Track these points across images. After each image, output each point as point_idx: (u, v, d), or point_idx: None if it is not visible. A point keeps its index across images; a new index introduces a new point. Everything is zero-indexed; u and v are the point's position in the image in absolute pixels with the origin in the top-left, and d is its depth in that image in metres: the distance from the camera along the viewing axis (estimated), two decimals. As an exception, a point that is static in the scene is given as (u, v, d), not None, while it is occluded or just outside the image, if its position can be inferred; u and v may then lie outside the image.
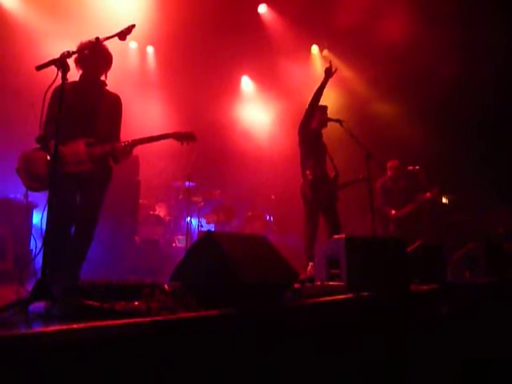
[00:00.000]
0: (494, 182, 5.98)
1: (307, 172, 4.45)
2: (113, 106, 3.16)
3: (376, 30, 6.80)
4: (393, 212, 5.81)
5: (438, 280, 3.20)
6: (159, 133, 3.08)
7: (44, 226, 1.92)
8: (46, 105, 2.27)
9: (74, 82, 3.04)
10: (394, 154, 6.35)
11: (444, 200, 6.43)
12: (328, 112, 4.69)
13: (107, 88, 3.18)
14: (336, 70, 4.42)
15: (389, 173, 5.91)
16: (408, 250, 3.17)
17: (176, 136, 3.07)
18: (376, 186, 5.69)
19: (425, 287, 2.96)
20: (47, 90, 2.02)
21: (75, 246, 2.96)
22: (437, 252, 3.51)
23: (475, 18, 6.01)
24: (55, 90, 2.92)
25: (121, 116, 3.21)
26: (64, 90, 2.05)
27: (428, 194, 5.74)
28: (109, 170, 3.13)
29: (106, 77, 3.17)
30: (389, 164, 5.88)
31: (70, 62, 2.13)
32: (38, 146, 2.94)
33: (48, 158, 2.86)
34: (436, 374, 2.47)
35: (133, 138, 3.02)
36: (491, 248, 4.11)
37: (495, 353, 2.72)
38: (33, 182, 2.89)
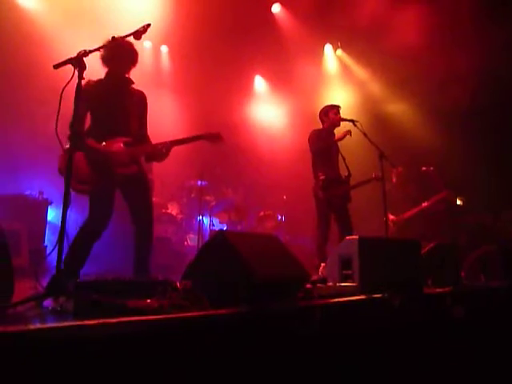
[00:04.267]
0: (510, 183, 5.87)
1: (319, 173, 4.43)
2: (140, 103, 3.19)
3: (391, 29, 6.72)
4: (391, 217, 5.84)
5: (452, 282, 3.16)
6: (180, 133, 3.20)
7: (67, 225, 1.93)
8: (63, 103, 2.29)
9: (100, 80, 3.06)
10: (408, 155, 6.31)
11: (458, 201, 6.35)
12: (341, 112, 4.66)
13: (132, 86, 3.19)
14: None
15: (393, 180, 5.97)
16: (422, 251, 3.14)
17: (208, 137, 3.16)
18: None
19: (438, 289, 2.92)
20: (64, 88, 2.04)
21: (137, 248, 3.04)
22: (451, 254, 3.46)
23: (495, 16, 5.89)
24: (82, 88, 2.97)
25: (147, 113, 3.25)
26: (81, 89, 2.07)
27: (443, 194, 5.77)
28: (144, 168, 3.18)
29: (129, 74, 3.17)
30: (394, 171, 5.87)
31: (87, 60, 2.14)
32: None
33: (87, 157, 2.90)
34: (449, 377, 2.43)
35: (170, 140, 3.08)
36: (506, 251, 4.04)
37: (510, 357, 2.67)
38: (80, 184, 2.89)
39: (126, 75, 3.15)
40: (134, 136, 3.04)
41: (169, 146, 3.07)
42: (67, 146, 2.88)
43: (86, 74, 2.10)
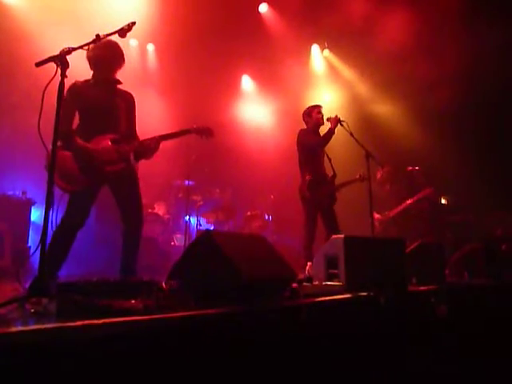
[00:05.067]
0: (494, 183, 5.98)
1: (306, 173, 4.46)
2: (128, 103, 3.18)
3: (378, 30, 6.78)
4: (376, 216, 5.92)
5: (437, 280, 3.20)
6: (166, 130, 3.15)
7: (51, 224, 1.90)
8: (47, 101, 2.27)
9: (87, 81, 3.06)
10: (395, 155, 6.38)
11: (443, 201, 6.45)
12: (329, 112, 4.68)
13: (119, 87, 3.18)
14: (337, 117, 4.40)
15: (378, 176, 6.09)
16: (407, 250, 3.17)
17: (197, 131, 3.18)
18: None
19: (423, 287, 2.95)
20: (46, 87, 2.00)
21: (126, 247, 3.01)
22: (436, 252, 3.50)
23: (479, 19, 5.98)
24: (70, 88, 2.95)
25: (135, 113, 3.24)
26: (63, 87, 2.04)
27: (427, 191, 5.86)
28: (133, 165, 3.15)
29: (116, 75, 3.16)
30: (380, 169, 5.94)
31: (70, 58, 2.12)
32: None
33: (75, 155, 2.87)
34: (433, 374, 2.46)
35: (159, 134, 3.07)
36: (489, 250, 4.11)
37: (492, 354, 2.72)
38: (69, 184, 2.85)
39: (114, 76, 3.14)
40: (122, 134, 3.03)
41: (157, 140, 3.05)
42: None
43: (69, 72, 2.07)
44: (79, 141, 2.89)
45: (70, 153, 2.88)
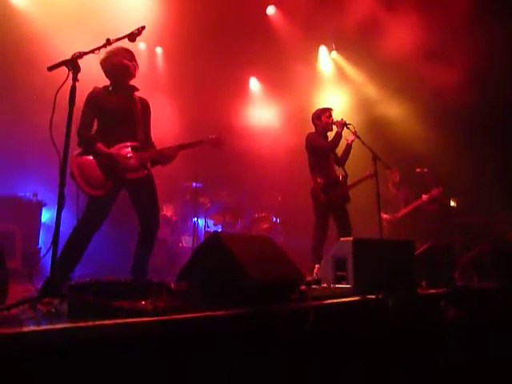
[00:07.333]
0: (504, 184, 5.93)
1: (317, 176, 4.45)
2: (144, 110, 3.24)
3: (386, 31, 6.75)
4: (384, 216, 5.91)
5: (446, 284, 3.18)
6: (176, 134, 3.21)
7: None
8: (60, 104, 2.30)
9: (106, 87, 3.12)
10: (403, 157, 6.36)
11: (452, 203, 6.40)
12: (336, 114, 4.68)
13: (136, 94, 3.24)
14: (344, 121, 4.40)
15: (389, 185, 6.12)
16: (416, 252, 3.16)
17: (211, 141, 3.30)
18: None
19: (432, 290, 2.94)
20: (58, 91, 2.03)
21: (139, 250, 3.07)
22: (445, 255, 3.48)
23: (490, 19, 5.92)
24: (90, 95, 3.01)
25: (150, 120, 3.31)
26: (75, 91, 2.07)
27: (436, 191, 5.85)
28: (151, 172, 3.21)
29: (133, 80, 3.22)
30: (389, 172, 5.94)
31: (81, 62, 2.14)
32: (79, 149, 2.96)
33: (98, 162, 2.93)
34: (442, 376, 2.45)
35: (176, 144, 3.16)
36: (499, 253, 4.07)
37: (501, 357, 2.69)
38: (94, 190, 2.90)
39: (131, 83, 3.20)
40: (140, 141, 3.09)
41: (176, 150, 3.13)
42: (76, 152, 2.90)
43: (80, 75, 2.10)
44: (101, 147, 2.94)
45: (93, 158, 2.92)
